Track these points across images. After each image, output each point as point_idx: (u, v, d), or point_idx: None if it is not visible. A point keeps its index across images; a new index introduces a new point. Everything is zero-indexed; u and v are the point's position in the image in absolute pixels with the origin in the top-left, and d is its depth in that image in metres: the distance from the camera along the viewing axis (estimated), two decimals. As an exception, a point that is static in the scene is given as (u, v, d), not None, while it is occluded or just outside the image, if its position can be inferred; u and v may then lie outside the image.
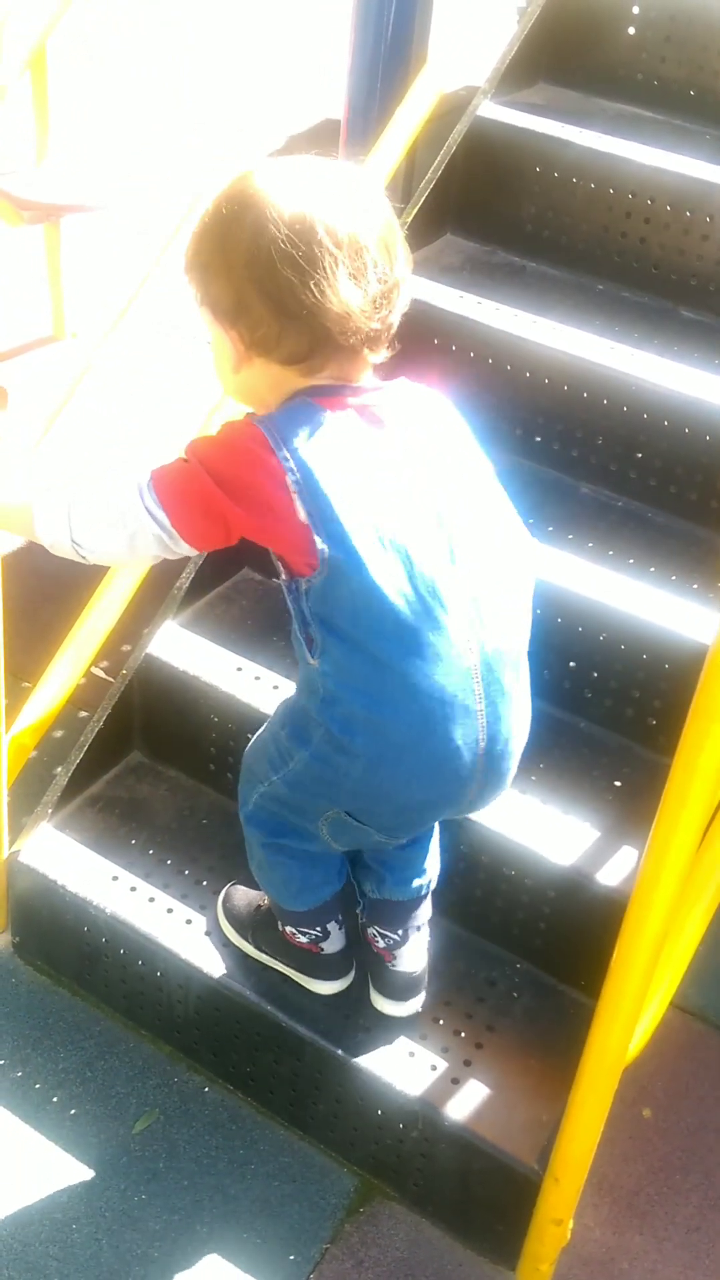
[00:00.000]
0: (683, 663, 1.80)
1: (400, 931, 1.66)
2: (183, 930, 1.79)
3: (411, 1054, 1.67)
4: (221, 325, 1.30)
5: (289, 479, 1.27)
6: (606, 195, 2.20)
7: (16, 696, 1.89)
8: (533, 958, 1.80)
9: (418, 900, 1.67)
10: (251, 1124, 1.79)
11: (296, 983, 1.72)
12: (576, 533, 2.00)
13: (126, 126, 4.61)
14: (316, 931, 1.66)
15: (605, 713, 1.92)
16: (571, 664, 1.92)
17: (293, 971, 1.71)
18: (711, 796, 1.20)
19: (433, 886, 1.68)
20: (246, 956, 1.76)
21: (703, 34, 2.29)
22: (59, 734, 2.15)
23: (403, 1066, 1.66)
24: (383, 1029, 1.69)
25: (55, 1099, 1.80)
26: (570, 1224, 1.57)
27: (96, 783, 2.01)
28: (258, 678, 1.94)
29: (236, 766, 1.95)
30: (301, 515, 1.27)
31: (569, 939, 1.76)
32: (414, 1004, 1.70)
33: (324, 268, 1.23)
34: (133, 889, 1.84)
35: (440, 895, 1.84)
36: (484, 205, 2.31)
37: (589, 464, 2.09)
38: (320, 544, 1.27)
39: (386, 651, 1.31)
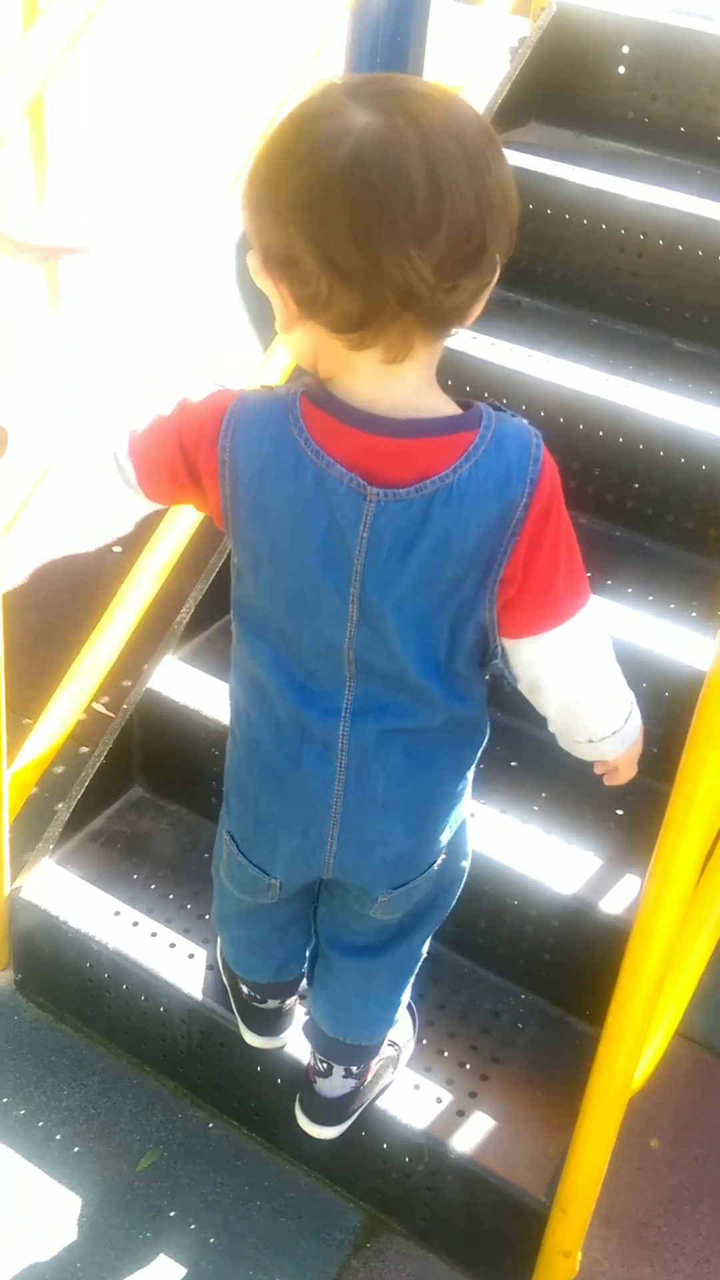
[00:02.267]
0: (683, 690, 1.80)
1: (324, 1064, 1.58)
2: (185, 965, 1.79)
3: (417, 1087, 1.67)
4: (271, 277, 1.08)
5: (218, 469, 1.17)
6: (600, 231, 2.24)
7: (18, 733, 1.89)
8: (537, 988, 1.80)
9: (353, 1050, 1.55)
10: (256, 1160, 1.78)
11: (300, 1017, 1.71)
12: (574, 563, 2.01)
13: (125, 167, 4.67)
14: (254, 991, 1.63)
15: (606, 742, 1.92)
16: (571, 694, 1.93)
17: (233, 1006, 1.68)
18: (712, 824, 1.21)
19: (368, 1053, 1.56)
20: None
21: (692, 72, 2.34)
22: (60, 770, 2.15)
23: (408, 1100, 1.65)
24: (387, 1062, 1.69)
25: (59, 1137, 1.79)
26: (579, 1256, 1.56)
27: (98, 818, 2.02)
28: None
29: (238, 800, 1.96)
30: (217, 500, 1.20)
31: (573, 969, 1.75)
32: (333, 1130, 1.61)
33: (388, 221, 1.00)
34: (135, 924, 1.84)
35: (443, 927, 1.84)
36: (478, 242, 2.34)
37: (586, 494, 2.11)
38: (229, 531, 1.21)
39: (247, 660, 1.28)
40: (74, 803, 1.95)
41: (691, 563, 2.03)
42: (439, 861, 1.39)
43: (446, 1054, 1.72)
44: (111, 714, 2.27)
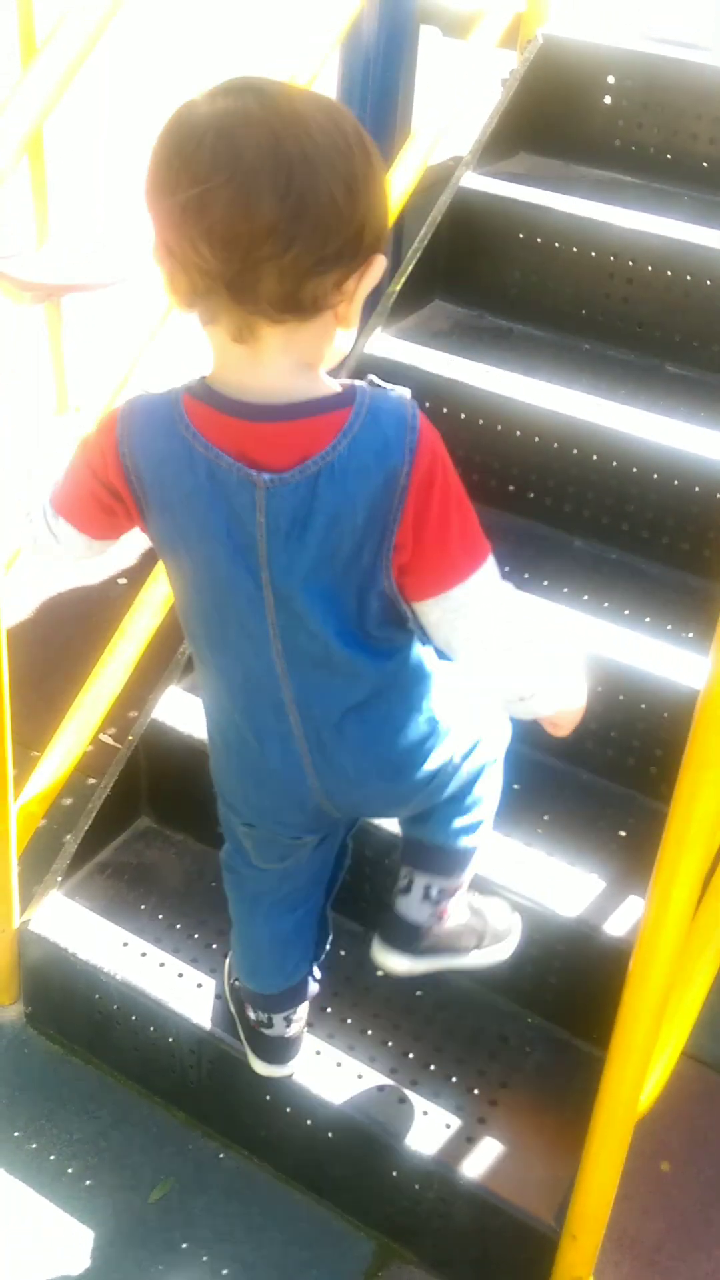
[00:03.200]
0: (681, 710, 1.81)
1: (406, 878, 1.56)
2: (194, 994, 1.79)
3: (426, 1113, 1.67)
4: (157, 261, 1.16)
5: (125, 478, 1.22)
6: (589, 258, 2.26)
7: (25, 766, 1.91)
8: (544, 1012, 1.80)
9: (419, 847, 1.54)
10: (267, 1190, 1.78)
11: (308, 1044, 1.72)
12: (571, 586, 2.03)
13: (125, 204, 4.72)
14: (262, 1016, 1.64)
15: (607, 763, 1.94)
16: (572, 716, 1.94)
17: (242, 1035, 1.70)
18: (710, 844, 1.21)
19: (453, 868, 1.55)
20: (258, 1019, 1.76)
21: (677, 100, 2.37)
22: (68, 802, 2.16)
23: (417, 1126, 1.65)
24: (396, 1089, 1.69)
25: (70, 1170, 1.79)
26: (591, 1282, 1.56)
27: (106, 849, 2.03)
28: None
29: (243, 829, 1.97)
30: (136, 514, 1.25)
31: (580, 992, 1.76)
32: (403, 961, 1.58)
33: (165, 195, 1.06)
34: (143, 954, 1.85)
35: (449, 951, 1.85)
36: (470, 272, 2.37)
37: (581, 518, 2.13)
38: (153, 541, 1.28)
39: (209, 657, 1.34)
40: (82, 834, 1.96)
41: (687, 583, 2.04)
42: (451, 767, 1.42)
43: (455, 1079, 1.72)
44: (118, 745, 2.29)
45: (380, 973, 1.61)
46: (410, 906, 1.56)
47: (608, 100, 2.43)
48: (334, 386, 1.18)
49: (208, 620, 1.30)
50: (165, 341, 2.40)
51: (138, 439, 1.20)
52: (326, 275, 1.09)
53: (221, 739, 1.41)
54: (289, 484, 1.16)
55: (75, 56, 1.48)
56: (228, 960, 1.78)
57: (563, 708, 1.39)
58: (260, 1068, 1.68)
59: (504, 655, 1.30)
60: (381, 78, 2.94)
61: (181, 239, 1.07)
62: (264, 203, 1.04)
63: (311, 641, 1.25)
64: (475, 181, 2.35)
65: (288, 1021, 1.65)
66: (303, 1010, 1.66)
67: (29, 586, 2.89)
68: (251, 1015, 1.66)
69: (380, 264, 1.14)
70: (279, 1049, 1.66)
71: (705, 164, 2.38)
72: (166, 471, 1.19)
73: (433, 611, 1.26)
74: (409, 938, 1.57)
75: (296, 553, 1.19)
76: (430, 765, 1.39)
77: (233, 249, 1.05)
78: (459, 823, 1.51)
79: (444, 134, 2.36)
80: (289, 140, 1.04)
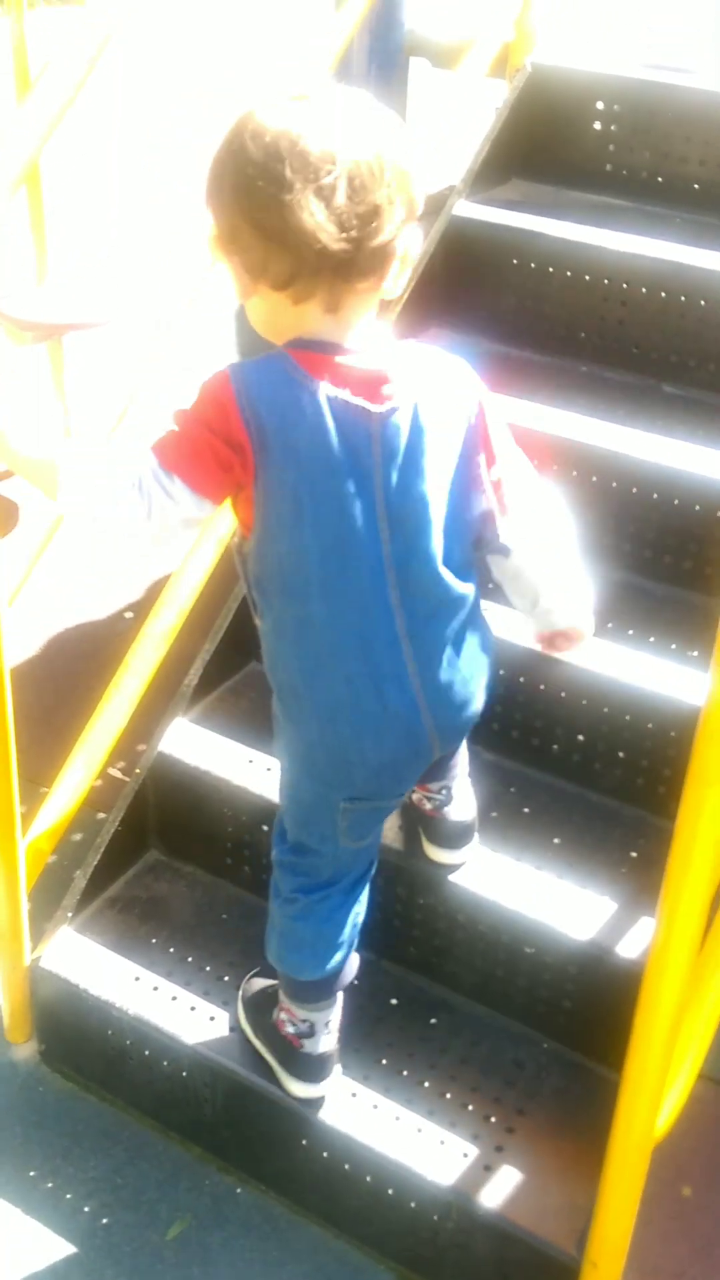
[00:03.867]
0: (687, 729, 1.79)
1: (443, 791, 1.73)
2: (206, 1027, 1.78)
3: (443, 1142, 1.66)
4: (225, 255, 1.31)
5: (246, 430, 1.29)
6: (584, 282, 2.28)
7: (34, 802, 1.91)
8: (559, 1036, 1.79)
9: (452, 754, 1.71)
10: (285, 1224, 1.76)
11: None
12: (575, 608, 2.03)
13: (125, 239, 4.77)
14: (304, 1026, 1.64)
15: (616, 783, 1.93)
16: (580, 737, 1.94)
17: (274, 1062, 1.69)
18: (716, 862, 1.21)
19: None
20: (271, 1051, 1.75)
21: (666, 124, 2.39)
22: (77, 837, 2.16)
23: (434, 1156, 1.64)
24: (412, 1118, 1.68)
25: (87, 1209, 1.78)
26: (613, 1311, 1.54)
27: (115, 883, 2.02)
28: (269, 769, 1.96)
29: (253, 859, 1.97)
30: (253, 468, 1.31)
31: (594, 1015, 1.74)
32: (465, 851, 1.78)
33: (293, 186, 1.21)
34: (155, 988, 1.84)
35: (461, 978, 1.84)
36: (465, 298, 2.38)
37: (583, 540, 2.12)
38: (260, 498, 1.33)
39: (316, 614, 1.37)
40: (91, 869, 1.96)
41: (691, 602, 2.04)
42: None
43: (471, 1108, 1.70)
44: (126, 778, 2.29)
45: (443, 864, 1.79)
46: (460, 808, 1.76)
47: (597, 125, 2.45)
48: (392, 334, 1.37)
49: (326, 565, 1.35)
50: (164, 376, 2.42)
51: (255, 391, 1.30)
52: (399, 240, 1.29)
53: (331, 704, 1.42)
54: (397, 412, 1.32)
55: (68, 94, 1.50)
56: (243, 991, 1.78)
57: (576, 623, 1.55)
58: (298, 1089, 1.67)
59: (563, 554, 1.51)
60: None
61: (299, 227, 1.22)
62: (373, 186, 1.23)
63: (423, 568, 1.37)
64: (468, 209, 2.37)
65: (328, 1027, 1.65)
66: (338, 1014, 1.67)
67: (37, 621, 2.90)
68: (291, 1029, 1.65)
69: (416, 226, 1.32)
70: (316, 1067, 1.66)
71: (696, 185, 2.40)
72: (288, 418, 1.30)
73: (520, 521, 1.45)
74: (468, 832, 1.78)
75: (408, 479, 1.33)
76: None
77: (349, 230, 1.23)
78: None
79: (436, 163, 2.38)
80: (368, 127, 1.25)
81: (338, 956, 1.61)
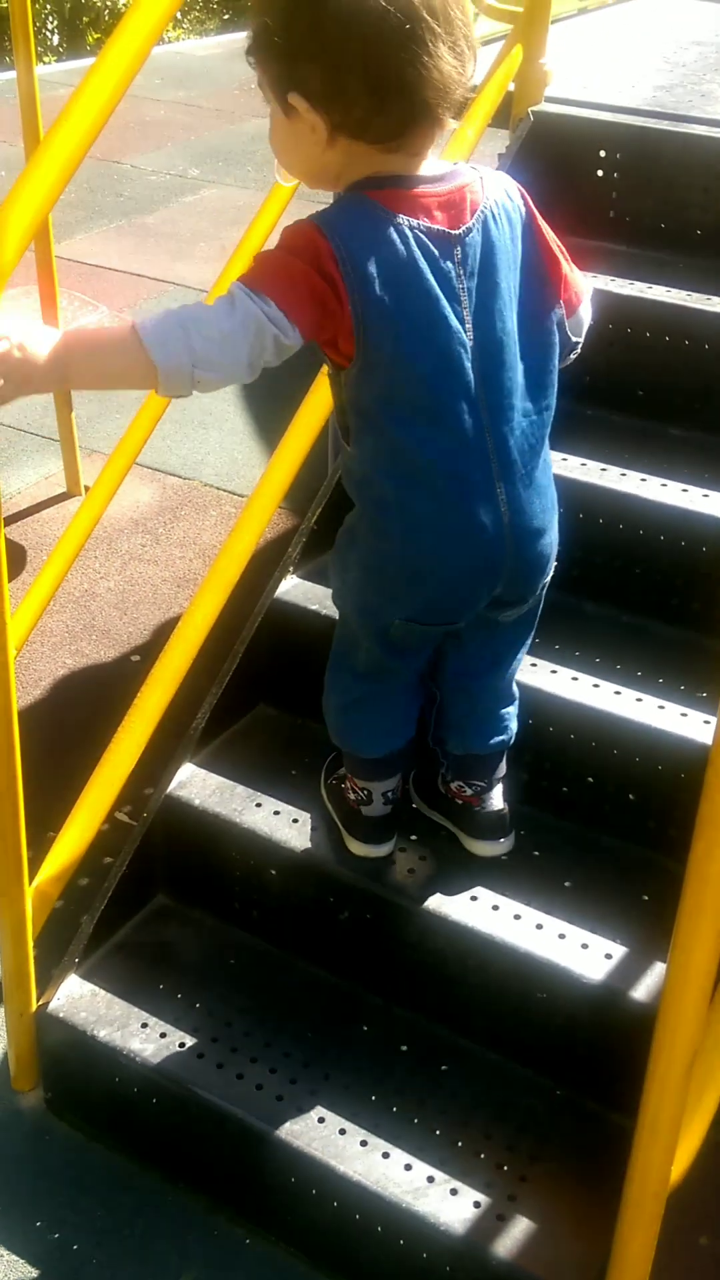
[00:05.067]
0: (697, 771, 1.79)
1: (485, 780, 1.82)
2: (214, 1074, 1.77)
3: (454, 1191, 1.63)
4: (310, 107, 1.31)
5: (339, 266, 1.33)
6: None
7: (40, 846, 1.90)
8: (571, 1082, 1.77)
9: (500, 754, 1.82)
10: (295, 1275, 1.74)
11: (331, 1124, 1.69)
12: (583, 649, 2.03)
13: (136, 277, 4.83)
14: (363, 794, 1.81)
15: (626, 826, 1.92)
16: (590, 779, 1.93)
17: (339, 823, 1.88)
18: (729, 904, 1.20)
19: (510, 741, 1.82)
20: (280, 1099, 1.73)
21: (667, 170, 2.42)
22: (84, 882, 2.15)
23: (446, 1206, 1.61)
24: (423, 1167, 1.65)
25: (95, 1260, 1.75)
26: None
27: (123, 929, 2.01)
28: (277, 812, 1.95)
29: (261, 903, 1.96)
30: (347, 301, 1.34)
31: (607, 1061, 1.73)
32: (505, 843, 1.85)
33: (426, 42, 1.26)
34: (163, 1035, 1.82)
35: (472, 1023, 1.82)
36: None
37: (591, 581, 2.13)
38: (359, 330, 1.36)
39: (410, 435, 1.43)
40: (98, 914, 1.95)
41: (699, 643, 2.04)
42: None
43: (483, 1155, 1.68)
44: (133, 823, 2.29)
45: (485, 855, 1.86)
46: (500, 799, 1.85)
47: (600, 173, 2.48)
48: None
49: (425, 389, 1.41)
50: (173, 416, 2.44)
51: (345, 231, 1.34)
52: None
53: (420, 516, 1.48)
54: (472, 232, 1.39)
55: (77, 148, 1.52)
56: (328, 761, 1.96)
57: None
58: (357, 848, 1.84)
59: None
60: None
61: (432, 80, 1.28)
62: (469, 29, 1.32)
63: (509, 382, 1.44)
64: (473, 255, 2.39)
65: (385, 797, 1.82)
66: (397, 785, 1.84)
67: (44, 665, 2.91)
68: (352, 796, 1.84)
69: None
70: (373, 829, 1.84)
71: (699, 231, 2.42)
72: (380, 254, 1.35)
73: (583, 310, 1.59)
74: (506, 824, 1.86)
75: (490, 294, 1.41)
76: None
77: (466, 76, 1.32)
78: (509, 719, 1.80)
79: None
80: None
81: (392, 741, 1.78)
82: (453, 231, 1.38)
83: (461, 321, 1.40)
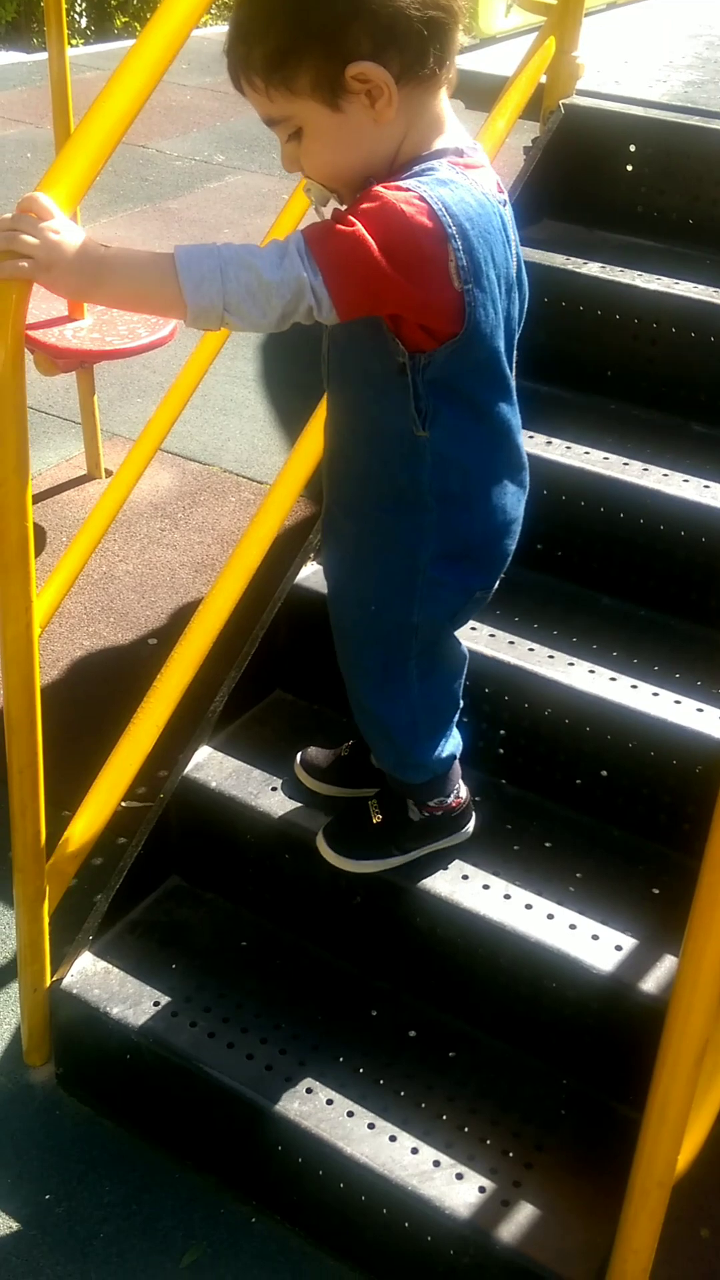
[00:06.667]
0: (713, 766, 1.81)
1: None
2: (224, 1054, 1.78)
3: (460, 1176, 1.65)
4: (375, 65, 1.29)
5: (451, 246, 1.31)
6: (614, 321, 2.29)
7: (57, 825, 1.92)
8: (578, 1073, 1.78)
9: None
10: (300, 1255, 1.75)
11: (339, 1106, 1.71)
12: (600, 642, 2.03)
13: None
14: (458, 784, 1.81)
15: (639, 819, 1.93)
16: (603, 772, 1.94)
17: (445, 841, 1.84)
18: (743, 898, 1.21)
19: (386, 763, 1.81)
20: (288, 1079, 1.75)
21: (697, 166, 2.41)
22: (98, 861, 2.17)
23: (451, 1190, 1.63)
24: (430, 1151, 1.67)
25: (101, 1234, 1.77)
26: None
27: (136, 908, 2.03)
28: (292, 797, 1.96)
29: (274, 886, 1.97)
30: (456, 283, 1.33)
31: (614, 1052, 1.74)
32: (328, 849, 1.84)
33: None
34: (174, 1014, 1.84)
35: (481, 1011, 1.84)
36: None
37: (609, 575, 2.14)
38: (468, 309, 1.36)
39: (494, 404, 1.49)
40: (113, 894, 1.97)
41: (716, 640, 2.04)
42: None
43: (489, 1142, 1.70)
44: (149, 804, 2.30)
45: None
46: (371, 809, 1.87)
47: (629, 168, 2.48)
48: None
49: (503, 357, 1.45)
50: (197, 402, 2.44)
51: (454, 206, 1.32)
52: None
53: (500, 486, 1.55)
54: (508, 203, 1.43)
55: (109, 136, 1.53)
56: (378, 821, 1.84)
57: None
58: (473, 827, 1.86)
59: None
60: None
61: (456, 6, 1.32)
62: None
63: (517, 342, 1.51)
64: (500, 247, 2.39)
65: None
66: None
67: (63, 647, 2.93)
68: (463, 794, 1.83)
69: None
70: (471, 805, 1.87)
71: (726, 228, 2.42)
72: (480, 224, 1.34)
73: None
74: (340, 836, 1.87)
75: (520, 257, 1.45)
76: None
77: None
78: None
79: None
80: None
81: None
82: (502, 198, 1.42)
83: (522, 287, 1.47)
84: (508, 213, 1.42)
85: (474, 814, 1.87)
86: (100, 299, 1.37)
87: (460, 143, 1.40)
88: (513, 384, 1.51)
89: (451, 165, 1.35)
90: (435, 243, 1.30)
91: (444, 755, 1.76)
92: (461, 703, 1.78)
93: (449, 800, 1.81)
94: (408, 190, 1.30)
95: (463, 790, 1.84)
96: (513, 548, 1.63)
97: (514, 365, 1.51)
